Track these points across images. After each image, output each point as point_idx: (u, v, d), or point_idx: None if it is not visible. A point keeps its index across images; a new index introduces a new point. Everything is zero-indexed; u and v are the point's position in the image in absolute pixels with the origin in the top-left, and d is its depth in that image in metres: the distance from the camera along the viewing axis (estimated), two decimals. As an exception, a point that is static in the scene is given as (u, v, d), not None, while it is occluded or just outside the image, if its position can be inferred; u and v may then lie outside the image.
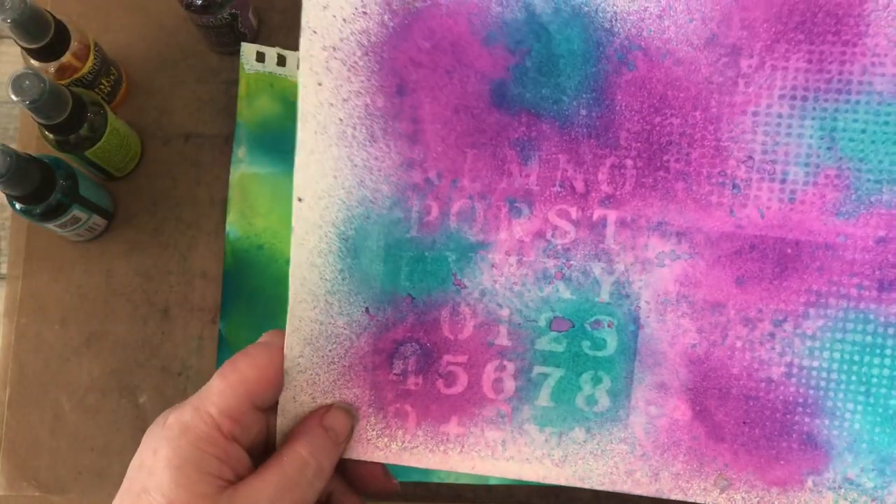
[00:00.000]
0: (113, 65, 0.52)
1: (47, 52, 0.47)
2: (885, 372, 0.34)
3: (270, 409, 0.37)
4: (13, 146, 0.44)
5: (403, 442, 0.37)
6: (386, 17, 0.35)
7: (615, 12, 0.34)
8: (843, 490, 0.34)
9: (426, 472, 0.51)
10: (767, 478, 0.34)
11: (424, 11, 0.35)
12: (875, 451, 0.34)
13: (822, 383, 0.34)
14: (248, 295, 0.48)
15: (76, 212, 0.48)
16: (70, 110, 0.45)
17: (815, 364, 0.34)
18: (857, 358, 0.34)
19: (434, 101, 0.35)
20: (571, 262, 0.36)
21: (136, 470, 0.33)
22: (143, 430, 0.47)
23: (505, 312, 0.36)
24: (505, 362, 0.36)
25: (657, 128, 0.35)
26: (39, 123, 0.46)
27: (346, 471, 0.38)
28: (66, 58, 0.47)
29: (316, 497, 0.34)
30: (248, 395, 0.34)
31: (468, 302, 0.36)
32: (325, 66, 0.35)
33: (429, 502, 0.45)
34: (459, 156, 0.36)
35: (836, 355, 0.34)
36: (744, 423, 0.35)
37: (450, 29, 0.35)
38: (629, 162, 0.35)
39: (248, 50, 0.51)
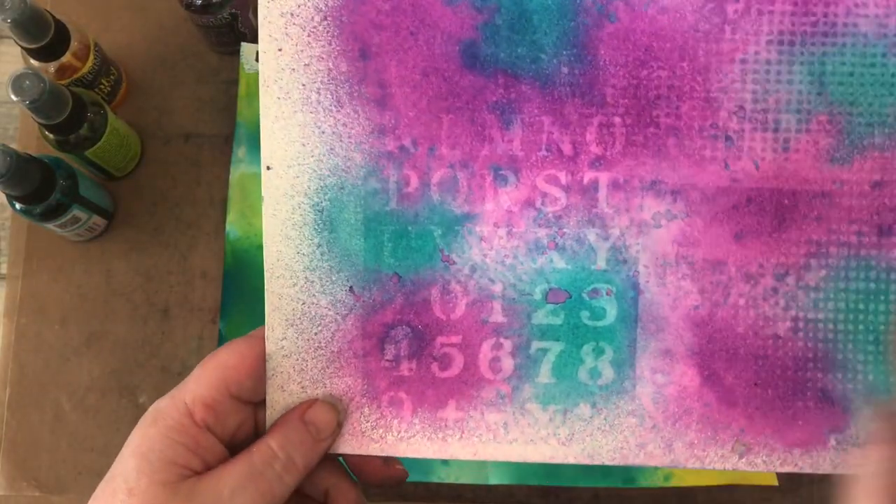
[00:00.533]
0: (113, 65, 0.52)
1: (47, 52, 0.46)
2: (892, 318, 0.33)
3: (258, 404, 0.34)
4: (13, 146, 0.43)
5: (399, 432, 0.34)
6: None
7: (593, -38, 0.33)
8: None
9: (426, 472, 0.49)
10: (787, 439, 0.33)
11: None
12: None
13: (830, 335, 0.33)
14: (248, 295, 0.47)
15: (76, 212, 0.47)
16: (70, 110, 0.45)
17: (821, 316, 0.33)
18: (861, 306, 0.33)
19: (400, 63, 0.33)
20: (564, 230, 0.34)
21: (116, 460, 0.32)
22: None
23: (498, 287, 0.34)
24: (501, 340, 0.34)
25: (644, 82, 0.33)
26: (39, 123, 0.45)
27: (346, 464, 0.36)
28: (66, 58, 0.47)
29: (287, 492, 0.32)
30: (224, 381, 0.33)
31: (458, 279, 0.34)
32: (284, 32, 0.33)
33: (429, 502, 0.44)
34: (434, 121, 0.34)
35: (841, 305, 0.33)
36: (755, 384, 0.33)
37: None
38: (617, 120, 0.34)
39: (248, 50, 0.50)
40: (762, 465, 0.33)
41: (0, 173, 0.41)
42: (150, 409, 0.32)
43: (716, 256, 0.34)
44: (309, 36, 0.33)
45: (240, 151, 0.49)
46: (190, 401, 0.32)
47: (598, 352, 0.34)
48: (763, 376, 0.33)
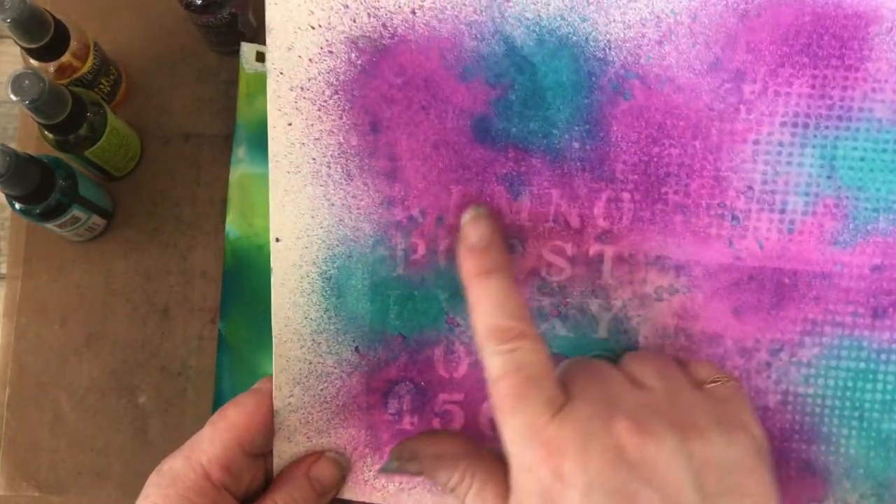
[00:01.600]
0: (113, 65, 0.51)
1: (47, 52, 0.46)
2: (878, 397, 0.34)
3: (267, 454, 0.36)
4: (13, 146, 0.43)
5: (401, 483, 0.36)
6: (353, 55, 0.32)
7: (609, 40, 0.32)
8: None
9: None
10: None
11: (393, 48, 0.32)
12: (872, 477, 0.34)
13: (818, 409, 0.35)
14: (248, 295, 0.48)
15: (76, 212, 0.47)
16: (70, 110, 0.44)
17: (811, 391, 0.35)
18: (850, 384, 0.34)
19: (411, 137, 0.33)
20: (568, 300, 0.35)
21: None
22: (143, 431, 0.49)
23: None
24: (501, 400, 0.35)
25: (655, 159, 0.33)
26: (39, 123, 0.45)
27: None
28: (66, 57, 0.46)
29: None
30: (238, 441, 0.34)
31: (462, 340, 0.35)
32: (294, 107, 0.32)
33: None
34: (443, 192, 0.34)
35: (831, 382, 0.34)
36: (741, 452, 0.35)
37: (421, 65, 0.32)
38: (626, 195, 0.34)
39: (248, 50, 0.49)
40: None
41: (0, 173, 0.41)
42: (164, 469, 0.34)
43: (714, 330, 0.35)
44: (319, 110, 0.32)
45: (239, 151, 0.49)
46: (206, 462, 0.33)
47: (595, 414, 0.35)
48: (750, 445, 0.35)
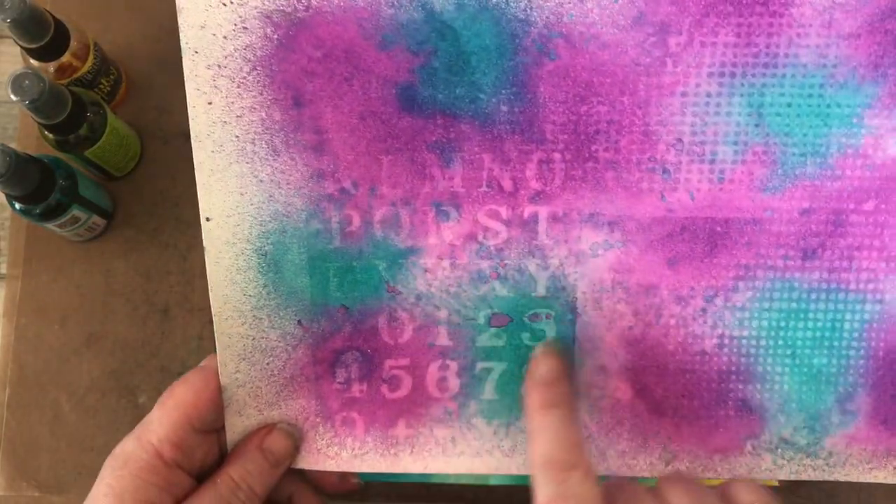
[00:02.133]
0: (113, 64, 0.50)
1: (47, 52, 0.46)
2: (809, 334, 0.35)
3: (220, 430, 0.36)
4: (13, 146, 0.43)
5: (353, 449, 0.37)
6: (268, 30, 0.31)
7: (529, 1, 0.31)
8: (779, 450, 0.36)
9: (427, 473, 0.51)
10: (709, 446, 0.36)
11: (308, 20, 0.31)
12: (804, 410, 0.36)
13: (752, 350, 0.36)
14: None
15: (76, 212, 0.47)
16: (70, 110, 0.44)
17: (745, 333, 0.36)
18: (783, 324, 0.35)
19: (336, 109, 0.32)
20: (506, 262, 0.35)
21: (87, 500, 0.34)
22: None
23: (443, 314, 0.36)
24: (448, 361, 0.36)
25: (584, 117, 0.33)
26: (39, 123, 0.45)
27: (305, 473, 0.38)
28: (66, 57, 0.46)
29: None
30: (187, 419, 0.35)
31: (404, 307, 0.35)
32: (213, 85, 0.31)
33: (429, 502, 0.47)
34: (373, 163, 0.33)
35: (764, 323, 0.35)
36: (682, 396, 0.36)
37: (339, 35, 0.31)
38: (557, 156, 0.33)
39: None
40: (685, 471, 0.36)
41: (0, 173, 0.41)
42: (117, 451, 0.34)
43: (649, 281, 0.35)
44: (239, 87, 0.31)
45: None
46: (157, 441, 0.34)
47: (539, 370, 0.36)
48: (690, 388, 0.36)
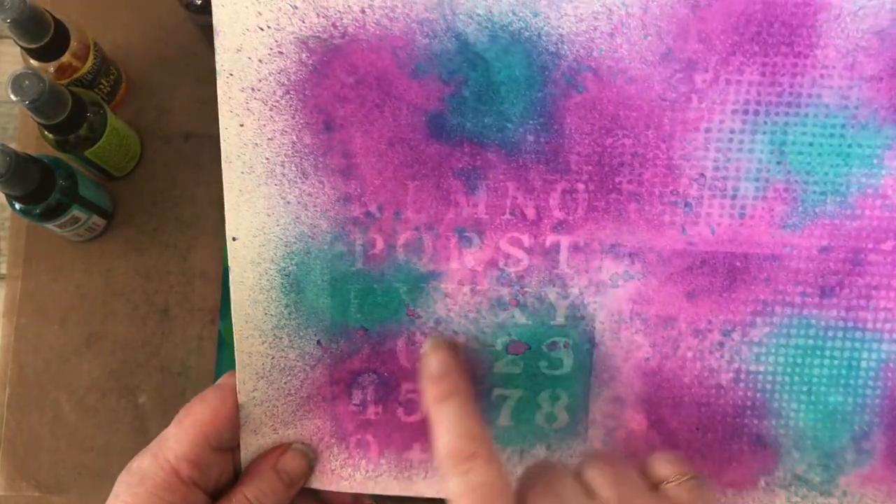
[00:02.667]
0: (113, 65, 0.51)
1: (47, 52, 0.46)
2: (825, 371, 0.36)
3: (235, 449, 0.36)
4: (13, 146, 0.43)
5: (367, 471, 0.37)
6: (303, 55, 0.31)
7: (561, 35, 0.32)
8: (793, 487, 0.36)
9: None
10: (723, 480, 0.36)
11: (344, 47, 0.32)
12: (819, 447, 0.36)
13: (768, 386, 0.36)
14: None
15: (76, 212, 0.47)
16: (70, 110, 0.44)
17: (762, 368, 0.36)
18: (799, 360, 0.36)
19: (365, 134, 0.33)
20: (526, 289, 0.35)
21: None
22: (142, 431, 0.49)
23: (461, 339, 0.36)
24: (464, 387, 0.36)
25: (608, 149, 0.34)
26: (39, 123, 0.45)
27: (318, 493, 0.38)
28: (66, 57, 0.47)
29: None
30: (204, 437, 0.35)
31: (423, 331, 0.36)
32: (246, 107, 0.32)
33: (428, 502, 0.47)
34: (400, 188, 0.34)
35: (781, 359, 0.36)
36: (697, 429, 0.36)
37: (373, 63, 0.32)
38: (581, 186, 0.34)
39: None
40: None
41: (0, 173, 0.41)
42: (133, 468, 0.34)
43: (668, 313, 0.35)
44: (271, 110, 0.32)
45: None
46: (174, 459, 0.34)
47: (555, 398, 0.36)
48: (705, 422, 0.36)
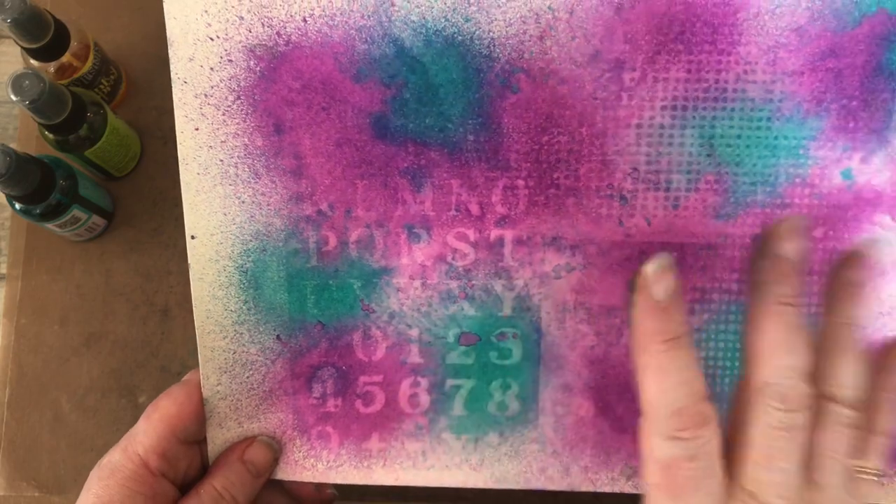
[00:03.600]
0: (113, 65, 0.51)
1: (47, 52, 0.46)
2: (765, 356, 0.37)
3: (202, 442, 0.38)
4: (13, 146, 0.43)
5: (328, 461, 0.38)
6: (251, 62, 0.34)
7: (492, 38, 0.34)
8: None
9: None
10: None
11: (288, 54, 0.34)
12: None
13: (710, 371, 0.37)
14: None
15: (76, 212, 0.47)
16: (70, 110, 0.45)
17: (702, 354, 0.37)
18: (738, 345, 0.37)
19: (313, 136, 0.35)
20: (473, 282, 0.37)
21: None
22: None
23: (415, 332, 0.37)
24: (419, 378, 0.38)
25: (545, 147, 0.35)
26: (39, 123, 0.45)
27: (283, 484, 0.40)
28: (66, 58, 0.47)
29: None
30: (171, 430, 0.36)
31: (378, 325, 0.37)
32: (200, 112, 0.34)
33: (429, 502, 0.47)
34: (349, 187, 0.36)
35: (721, 344, 0.37)
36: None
37: (317, 68, 0.34)
38: (521, 182, 0.36)
39: None
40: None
41: (0, 173, 0.41)
42: (104, 462, 0.36)
43: (610, 302, 0.37)
44: (224, 115, 0.34)
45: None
46: (143, 452, 0.35)
47: (506, 387, 0.38)
48: (650, 407, 0.38)
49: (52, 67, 0.47)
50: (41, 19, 0.45)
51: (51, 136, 0.47)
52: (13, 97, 0.42)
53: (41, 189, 0.45)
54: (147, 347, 0.50)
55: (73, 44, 0.47)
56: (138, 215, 0.52)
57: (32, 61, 0.47)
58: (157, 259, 0.51)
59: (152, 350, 0.50)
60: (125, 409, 0.50)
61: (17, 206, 0.46)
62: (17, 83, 0.42)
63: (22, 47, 0.46)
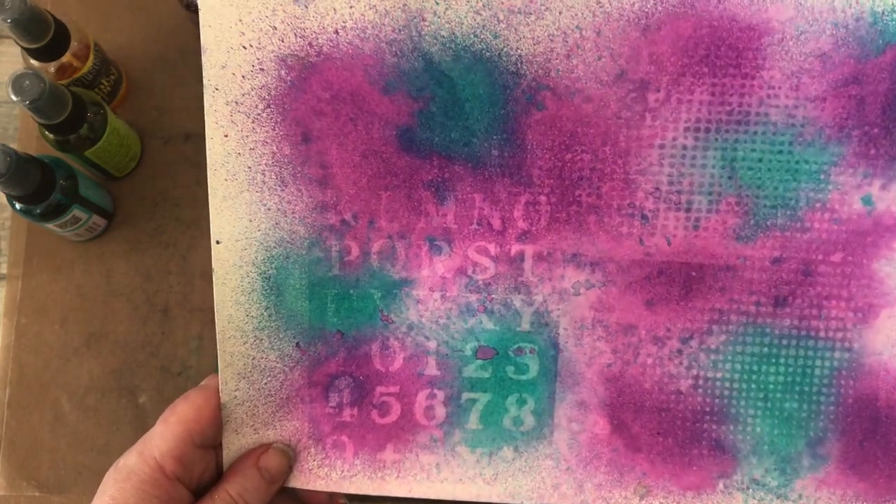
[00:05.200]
0: (113, 65, 0.51)
1: (47, 52, 0.46)
2: (780, 379, 0.37)
3: (218, 447, 0.38)
4: (13, 146, 0.43)
5: (342, 471, 0.38)
6: (282, 72, 0.34)
7: (520, 55, 0.34)
8: (750, 490, 0.37)
9: None
10: (682, 483, 0.37)
11: (319, 65, 0.34)
12: (776, 452, 0.37)
13: (726, 392, 0.37)
14: None
15: (76, 212, 0.47)
16: (70, 110, 0.45)
17: (719, 375, 0.37)
18: (755, 367, 0.37)
19: (341, 147, 0.35)
20: (493, 296, 0.37)
21: None
22: (142, 431, 0.49)
23: (432, 344, 0.38)
24: (435, 391, 0.38)
25: (568, 164, 0.36)
26: (39, 123, 0.45)
27: (296, 492, 0.40)
28: (66, 58, 0.47)
29: None
30: (188, 434, 0.36)
31: (396, 336, 0.38)
32: (230, 120, 0.35)
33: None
34: (373, 198, 0.36)
35: (738, 366, 0.37)
36: (658, 433, 0.38)
37: (347, 80, 0.34)
38: (543, 198, 0.36)
39: None
40: None
41: (0, 173, 0.42)
42: (120, 465, 0.36)
43: (628, 321, 0.37)
44: (253, 122, 0.35)
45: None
46: (159, 455, 0.35)
47: (521, 402, 0.38)
48: (665, 427, 0.38)
49: (52, 67, 0.47)
50: (41, 19, 0.45)
51: (51, 136, 0.47)
52: (13, 97, 0.42)
53: (41, 189, 0.45)
54: (147, 347, 0.50)
55: (74, 44, 0.47)
56: (138, 215, 0.52)
57: (33, 61, 0.48)
58: (157, 259, 0.51)
59: (152, 350, 0.50)
60: (125, 409, 0.50)
61: (18, 206, 0.46)
62: (17, 83, 0.42)
63: (22, 47, 0.46)
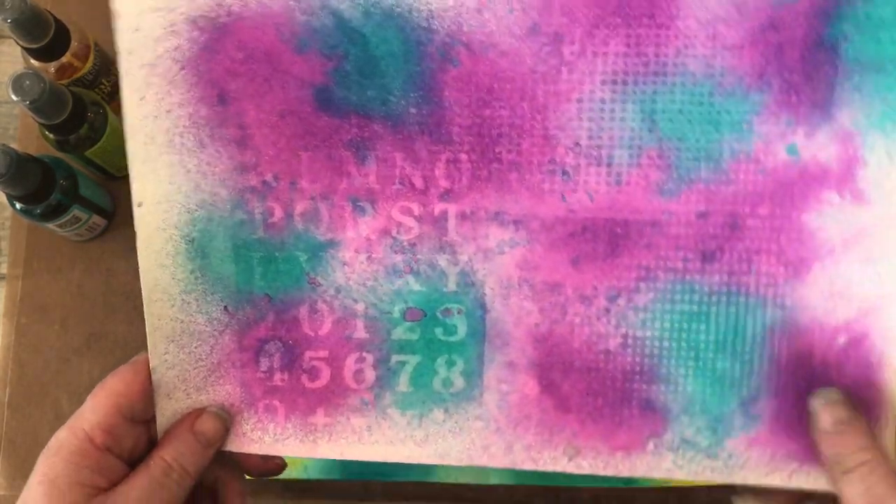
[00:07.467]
0: (113, 65, 0.51)
1: (47, 52, 0.47)
2: (711, 337, 0.36)
3: (150, 421, 0.38)
4: (13, 146, 0.44)
5: (275, 434, 0.39)
6: (194, 33, 0.35)
7: (430, 10, 0.34)
8: (680, 450, 0.36)
9: (426, 472, 0.52)
10: (612, 443, 0.37)
11: (230, 25, 0.35)
12: (707, 412, 0.36)
13: (656, 351, 0.37)
14: None
15: (76, 212, 0.48)
16: (70, 110, 0.45)
17: (648, 334, 0.37)
18: (685, 325, 0.37)
19: (258, 107, 0.36)
20: (418, 256, 0.37)
21: (23, 491, 0.35)
22: None
23: (360, 307, 0.38)
24: (364, 354, 0.38)
25: (487, 121, 0.36)
26: (40, 123, 0.46)
27: (231, 456, 0.40)
28: (67, 58, 0.47)
29: (185, 494, 0.37)
30: (117, 407, 0.36)
31: (324, 299, 0.38)
32: (146, 82, 0.35)
33: (429, 502, 0.47)
34: (293, 158, 0.36)
35: (667, 325, 0.37)
36: (587, 393, 0.37)
37: (259, 40, 0.35)
38: (463, 156, 0.36)
39: None
40: (588, 467, 0.37)
41: (0, 173, 0.42)
42: (51, 441, 0.36)
43: (554, 279, 0.37)
44: (169, 84, 0.35)
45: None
46: (88, 428, 0.35)
47: (451, 363, 0.38)
48: (595, 386, 0.37)
49: (52, 67, 0.48)
50: (41, 19, 0.46)
51: (51, 136, 0.47)
52: (14, 97, 0.43)
53: (42, 189, 0.46)
54: (147, 347, 0.50)
55: (74, 44, 0.48)
56: (139, 215, 0.52)
57: (33, 61, 0.48)
58: (157, 259, 0.51)
59: (152, 350, 0.50)
60: (125, 409, 0.50)
61: (18, 206, 0.47)
62: (17, 83, 0.43)
63: (22, 47, 0.47)
